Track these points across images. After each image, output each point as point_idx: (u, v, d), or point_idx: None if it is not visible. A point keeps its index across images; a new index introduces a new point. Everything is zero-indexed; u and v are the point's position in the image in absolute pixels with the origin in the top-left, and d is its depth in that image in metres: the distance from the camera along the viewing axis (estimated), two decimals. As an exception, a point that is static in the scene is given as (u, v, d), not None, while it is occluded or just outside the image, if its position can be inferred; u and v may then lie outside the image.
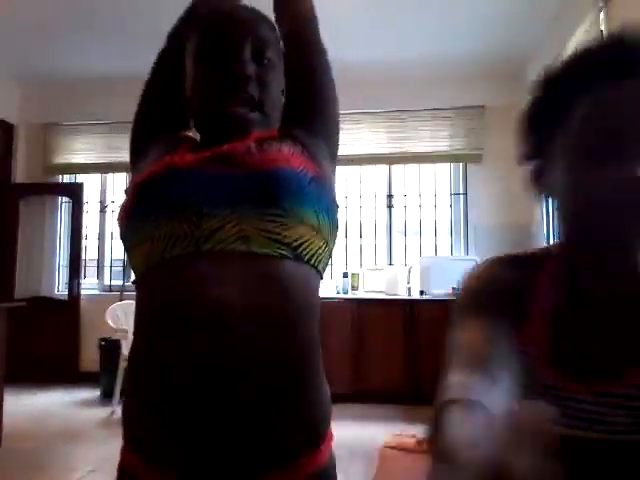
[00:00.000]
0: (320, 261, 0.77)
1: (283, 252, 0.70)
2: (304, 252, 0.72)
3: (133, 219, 0.74)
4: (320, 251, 0.76)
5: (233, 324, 0.64)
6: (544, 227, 4.43)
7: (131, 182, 0.81)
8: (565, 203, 0.69)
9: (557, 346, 0.62)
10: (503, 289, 0.68)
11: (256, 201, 0.70)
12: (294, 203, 0.71)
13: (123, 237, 0.77)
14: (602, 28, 3.11)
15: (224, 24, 0.80)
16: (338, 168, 4.72)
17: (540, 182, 0.75)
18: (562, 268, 0.67)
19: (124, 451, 0.72)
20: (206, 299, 0.64)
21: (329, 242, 0.78)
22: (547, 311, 0.64)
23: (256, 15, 0.85)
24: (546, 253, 0.72)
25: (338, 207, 0.84)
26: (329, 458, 0.74)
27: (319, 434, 0.72)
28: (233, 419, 0.63)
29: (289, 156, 0.76)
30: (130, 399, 0.73)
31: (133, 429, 0.71)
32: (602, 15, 3.11)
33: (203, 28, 0.81)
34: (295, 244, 0.71)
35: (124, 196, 0.80)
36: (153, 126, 0.91)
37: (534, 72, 4.45)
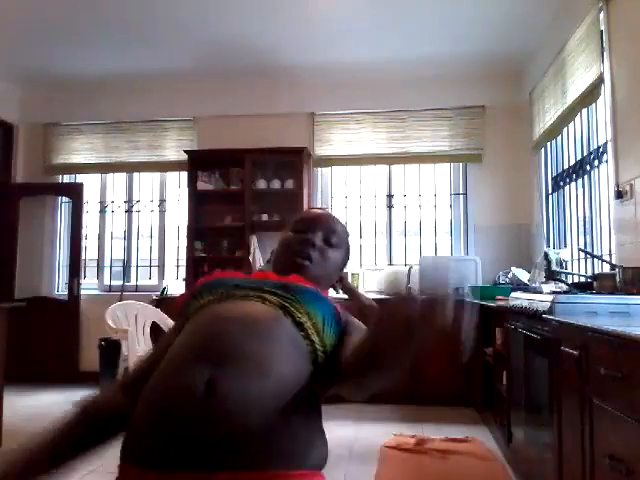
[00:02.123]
0: (312, 342, 0.98)
1: (286, 312, 1.00)
2: (303, 326, 0.98)
3: (195, 296, 1.10)
4: (315, 340, 0.98)
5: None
6: (544, 227, 4.42)
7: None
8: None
9: None
10: None
11: (278, 291, 1.04)
12: (308, 301, 1.02)
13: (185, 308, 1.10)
14: (602, 28, 3.11)
15: (310, 214, 1.30)
16: (338, 168, 4.76)
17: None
18: None
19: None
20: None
21: (325, 344, 0.98)
22: None
23: (333, 217, 1.29)
24: None
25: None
26: None
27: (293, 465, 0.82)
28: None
29: (324, 292, 1.12)
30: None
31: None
32: (602, 15, 3.11)
33: (297, 217, 1.29)
34: (298, 318, 0.99)
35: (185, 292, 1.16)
36: None
37: (534, 72, 4.46)
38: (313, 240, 1.19)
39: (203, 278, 1.15)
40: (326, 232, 1.23)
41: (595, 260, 3.32)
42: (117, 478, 0.86)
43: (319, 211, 1.30)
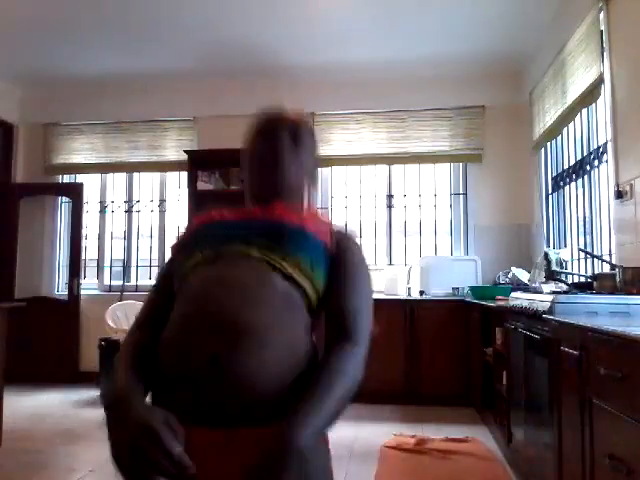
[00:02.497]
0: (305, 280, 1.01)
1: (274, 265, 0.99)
2: (293, 278, 0.99)
3: (187, 248, 1.09)
4: (306, 287, 1.00)
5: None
6: (544, 227, 4.42)
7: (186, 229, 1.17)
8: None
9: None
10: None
11: (264, 241, 1.01)
12: (295, 248, 1.00)
13: (176, 255, 1.12)
14: (602, 28, 3.11)
15: (271, 115, 1.18)
16: (338, 168, 4.76)
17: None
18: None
19: None
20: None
21: (317, 289, 1.01)
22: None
23: (294, 114, 1.19)
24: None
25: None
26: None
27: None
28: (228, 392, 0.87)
29: (310, 223, 1.06)
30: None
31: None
32: (602, 15, 3.11)
33: (256, 120, 1.18)
34: (287, 272, 0.99)
35: (179, 235, 1.15)
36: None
37: (534, 72, 4.46)
38: (282, 143, 1.11)
39: (197, 219, 1.16)
40: (292, 131, 1.15)
41: (595, 260, 3.32)
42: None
43: (276, 111, 1.20)
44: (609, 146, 3.09)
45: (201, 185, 4.98)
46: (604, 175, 3.27)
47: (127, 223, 5.54)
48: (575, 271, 3.65)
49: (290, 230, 1.02)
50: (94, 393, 4.58)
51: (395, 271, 4.77)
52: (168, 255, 1.16)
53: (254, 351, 0.87)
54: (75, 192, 5.42)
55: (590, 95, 3.30)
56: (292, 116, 1.18)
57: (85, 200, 5.44)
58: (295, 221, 1.04)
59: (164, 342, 0.95)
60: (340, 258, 1.05)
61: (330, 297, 1.01)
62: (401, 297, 4.54)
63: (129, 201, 5.56)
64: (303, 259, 0.98)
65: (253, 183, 1.15)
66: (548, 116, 4.08)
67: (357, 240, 1.14)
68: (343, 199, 5.24)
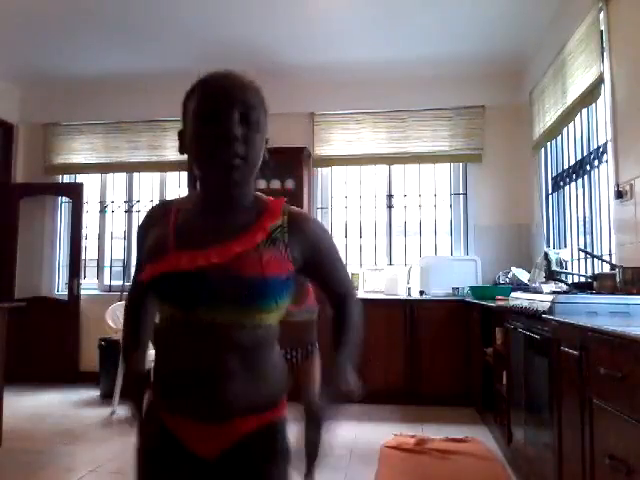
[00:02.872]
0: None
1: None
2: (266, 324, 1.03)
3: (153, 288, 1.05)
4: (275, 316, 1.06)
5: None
6: (544, 227, 4.42)
7: (145, 269, 1.04)
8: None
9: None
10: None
11: (231, 302, 0.97)
12: (259, 301, 0.99)
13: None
14: (602, 28, 3.11)
15: (218, 92, 1.00)
16: (338, 168, 4.78)
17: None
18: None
19: (160, 409, 1.04)
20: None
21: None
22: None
23: (245, 83, 1.05)
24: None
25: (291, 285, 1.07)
26: (282, 417, 1.07)
27: (275, 400, 1.05)
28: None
29: (268, 262, 0.99)
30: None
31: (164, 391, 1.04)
32: (602, 15, 3.11)
33: (201, 94, 1.01)
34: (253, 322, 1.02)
35: (141, 272, 1.06)
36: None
37: (534, 72, 4.46)
38: (234, 133, 0.96)
39: (156, 268, 1.00)
40: (244, 109, 0.99)
41: (595, 260, 3.32)
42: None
43: (222, 80, 1.02)
44: (609, 146, 3.09)
45: (201, 185, 4.98)
46: (604, 175, 3.27)
47: (127, 223, 5.54)
48: (575, 271, 3.65)
49: (251, 284, 0.96)
50: (94, 393, 4.58)
51: (395, 271, 4.77)
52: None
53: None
54: (75, 192, 5.42)
55: (590, 95, 3.30)
56: (242, 85, 1.03)
57: (85, 200, 5.44)
58: (255, 269, 0.97)
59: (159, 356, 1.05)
60: (311, 245, 1.06)
61: (320, 275, 1.13)
62: (401, 297, 4.54)
63: (129, 201, 5.56)
64: (267, 306, 0.98)
65: (205, 180, 1.03)
66: (548, 116, 4.08)
67: (311, 217, 1.12)
68: (343, 199, 5.24)
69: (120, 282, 5.34)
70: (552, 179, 4.33)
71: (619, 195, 2.88)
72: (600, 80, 3.13)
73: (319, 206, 5.20)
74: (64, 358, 5.08)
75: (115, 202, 5.59)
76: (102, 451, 3.14)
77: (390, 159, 5.09)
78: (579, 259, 3.71)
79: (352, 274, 4.78)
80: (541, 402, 2.21)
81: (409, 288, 4.73)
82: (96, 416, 3.91)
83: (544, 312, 2.11)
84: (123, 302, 4.53)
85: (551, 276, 3.08)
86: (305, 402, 1.04)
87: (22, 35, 4.34)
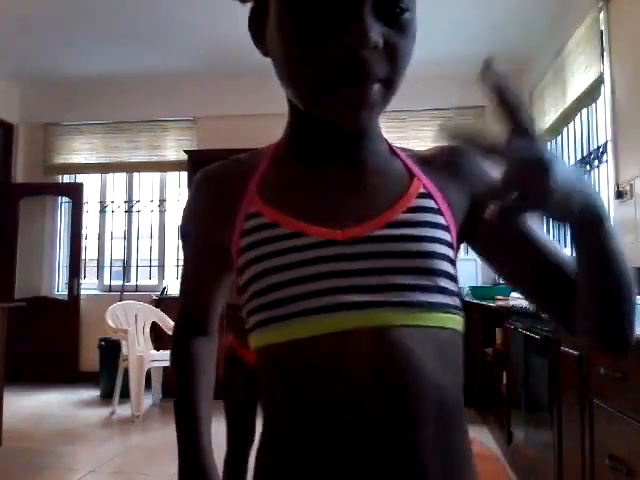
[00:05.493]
0: None
1: None
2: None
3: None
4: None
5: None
6: (544, 227, 4.43)
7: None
8: (282, 74, 0.57)
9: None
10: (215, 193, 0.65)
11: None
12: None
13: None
14: (602, 28, 3.11)
15: None
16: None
17: (258, 37, 0.60)
18: (280, 146, 0.66)
19: None
20: None
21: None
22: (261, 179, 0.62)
23: None
24: (267, 148, 0.68)
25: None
26: None
27: None
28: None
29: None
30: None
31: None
32: (602, 15, 3.11)
33: None
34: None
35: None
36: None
37: (534, 72, 4.46)
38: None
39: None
40: None
41: (595, 260, 3.32)
42: None
43: None
44: (609, 146, 3.09)
45: (201, 185, 4.98)
46: (604, 175, 3.27)
47: (127, 223, 5.54)
48: (575, 271, 3.64)
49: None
50: (94, 393, 4.58)
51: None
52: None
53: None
54: (75, 192, 5.42)
55: (590, 95, 3.30)
56: None
57: (85, 200, 5.44)
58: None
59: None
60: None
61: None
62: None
63: (129, 201, 5.56)
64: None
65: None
66: (548, 116, 4.08)
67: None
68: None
69: (120, 282, 5.34)
70: (552, 179, 4.33)
71: (619, 195, 2.88)
72: (600, 80, 3.13)
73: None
74: (64, 358, 5.08)
75: (115, 202, 5.59)
76: (102, 451, 3.14)
77: (390, 159, 5.08)
78: (579, 259, 3.71)
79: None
80: (541, 402, 2.21)
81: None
82: (96, 416, 3.91)
83: (544, 312, 2.11)
84: (123, 302, 4.53)
85: (551, 276, 3.07)
86: None
87: (22, 35, 4.34)
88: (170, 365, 0.77)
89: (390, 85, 0.56)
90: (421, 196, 0.61)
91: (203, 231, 0.68)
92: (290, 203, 0.59)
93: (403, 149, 0.68)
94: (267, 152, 0.66)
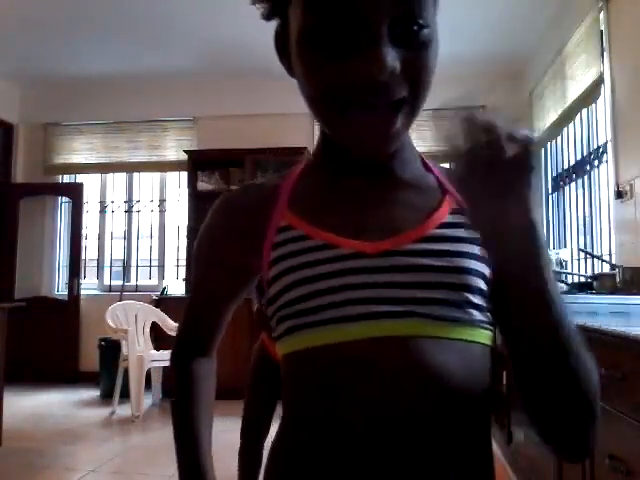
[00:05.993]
0: None
1: None
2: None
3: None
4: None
5: None
6: (544, 227, 4.43)
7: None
8: (303, 95, 0.58)
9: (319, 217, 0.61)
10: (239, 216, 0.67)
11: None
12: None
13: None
14: (602, 28, 3.11)
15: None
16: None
17: (283, 56, 0.61)
18: (309, 163, 0.68)
19: None
20: None
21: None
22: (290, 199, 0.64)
23: None
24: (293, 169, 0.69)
25: None
26: None
27: None
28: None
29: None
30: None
31: None
32: (602, 15, 3.11)
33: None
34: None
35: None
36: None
37: (534, 72, 4.46)
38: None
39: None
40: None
41: (595, 260, 3.32)
42: None
43: None
44: (609, 146, 3.09)
45: (201, 185, 4.98)
46: (604, 175, 3.27)
47: (127, 223, 5.54)
48: (575, 271, 3.65)
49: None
50: (94, 393, 4.58)
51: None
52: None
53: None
54: (75, 192, 5.42)
55: (590, 95, 3.30)
56: None
57: (85, 200, 5.44)
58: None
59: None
60: None
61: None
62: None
63: (129, 201, 5.56)
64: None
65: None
66: (548, 116, 4.08)
67: None
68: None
69: (120, 282, 5.34)
70: (552, 179, 4.33)
71: (619, 195, 2.88)
72: (600, 80, 3.13)
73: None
74: (64, 358, 5.08)
75: (115, 202, 5.59)
76: (102, 451, 3.14)
77: (390, 159, 5.08)
78: (579, 259, 3.71)
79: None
80: (541, 402, 2.20)
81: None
82: (96, 416, 3.91)
83: (544, 312, 2.10)
84: (123, 302, 4.52)
85: (551, 276, 3.07)
86: None
87: (22, 35, 4.34)
88: (172, 389, 0.77)
89: (411, 105, 0.58)
90: (455, 212, 0.62)
91: (224, 250, 0.69)
92: (320, 215, 0.61)
93: (436, 163, 0.71)
94: (295, 170, 0.68)
